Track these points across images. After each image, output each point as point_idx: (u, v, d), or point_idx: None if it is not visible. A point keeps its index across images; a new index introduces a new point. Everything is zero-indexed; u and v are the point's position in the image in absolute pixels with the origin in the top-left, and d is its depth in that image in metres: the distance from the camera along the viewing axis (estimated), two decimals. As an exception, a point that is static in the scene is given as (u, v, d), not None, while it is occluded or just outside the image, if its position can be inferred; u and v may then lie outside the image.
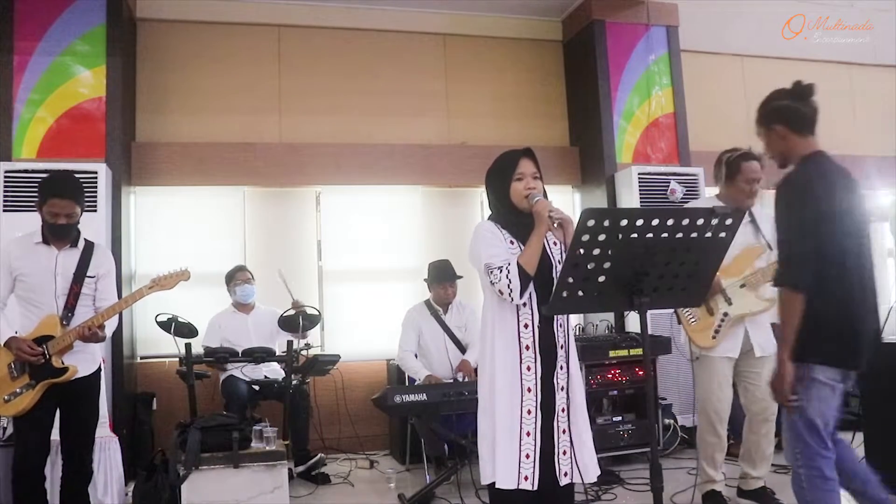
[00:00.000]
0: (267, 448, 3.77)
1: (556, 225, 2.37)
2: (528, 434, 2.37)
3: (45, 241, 3.23)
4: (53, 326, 3.14)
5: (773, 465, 3.81)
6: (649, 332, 2.15)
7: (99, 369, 3.35)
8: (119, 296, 3.47)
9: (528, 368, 2.40)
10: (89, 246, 3.31)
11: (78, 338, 3.09)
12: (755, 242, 3.53)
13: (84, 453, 3.30)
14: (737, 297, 3.46)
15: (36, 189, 4.42)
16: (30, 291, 3.18)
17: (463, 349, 4.77)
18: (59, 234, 3.20)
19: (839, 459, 2.45)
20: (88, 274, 3.24)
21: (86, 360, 3.23)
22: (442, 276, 4.77)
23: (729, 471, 3.86)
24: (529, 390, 2.39)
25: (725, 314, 3.47)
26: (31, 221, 4.34)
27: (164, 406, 5.11)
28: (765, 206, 3.57)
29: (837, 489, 2.39)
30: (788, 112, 2.63)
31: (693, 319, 3.55)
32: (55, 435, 3.27)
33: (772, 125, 2.64)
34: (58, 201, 3.15)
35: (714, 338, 3.49)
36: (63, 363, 3.13)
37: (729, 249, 3.38)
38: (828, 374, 2.42)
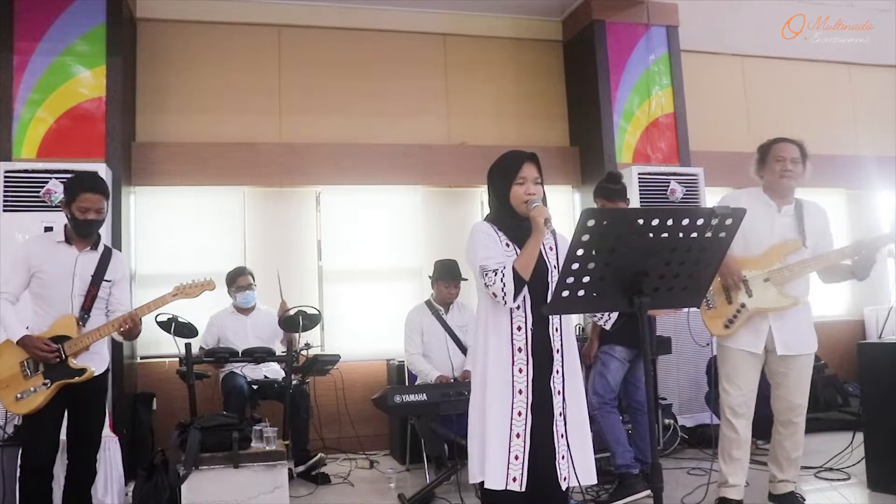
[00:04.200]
0: (267, 448, 3.76)
1: (549, 233, 2.38)
2: (518, 436, 2.38)
3: (67, 240, 3.24)
4: (70, 327, 3.14)
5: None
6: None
7: (107, 370, 3.36)
8: (129, 301, 3.47)
9: (520, 370, 2.41)
10: (108, 250, 3.34)
11: (117, 329, 3.13)
12: (793, 237, 3.34)
13: (91, 453, 3.30)
14: (758, 290, 3.29)
15: (36, 189, 4.50)
16: (45, 289, 3.19)
17: (464, 349, 4.77)
18: (85, 230, 3.21)
19: None
20: (106, 278, 3.25)
21: (97, 360, 3.24)
22: (448, 275, 4.77)
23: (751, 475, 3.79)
24: (521, 392, 2.40)
25: (743, 305, 3.31)
26: (32, 221, 4.39)
27: (164, 406, 5.11)
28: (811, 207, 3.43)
29: None
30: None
31: (711, 305, 3.39)
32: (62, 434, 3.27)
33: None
34: (90, 195, 3.17)
35: (727, 328, 3.34)
36: (80, 364, 3.14)
37: (766, 239, 3.30)
38: None
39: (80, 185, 3.20)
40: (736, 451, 3.37)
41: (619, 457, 3.81)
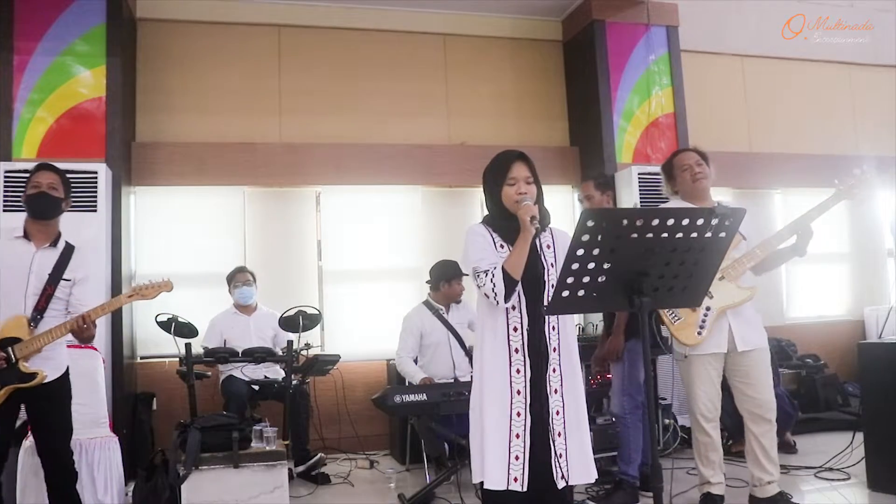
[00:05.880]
0: (267, 448, 3.76)
1: (547, 230, 2.39)
2: (518, 436, 2.38)
3: (26, 236, 3.11)
4: (20, 328, 2.98)
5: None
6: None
7: (65, 375, 3.17)
8: (93, 302, 3.21)
9: (518, 371, 2.41)
10: (69, 248, 3.17)
11: (69, 331, 2.98)
12: None
13: (61, 456, 3.15)
14: (717, 289, 3.32)
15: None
16: (1, 287, 3.01)
17: (465, 347, 4.76)
18: (36, 205, 3.09)
19: None
20: (64, 276, 3.09)
21: (50, 365, 3.07)
22: (455, 272, 4.71)
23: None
24: (519, 392, 2.40)
25: (708, 308, 3.36)
26: (31, 221, 4.35)
27: (164, 406, 5.12)
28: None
29: None
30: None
31: (676, 318, 3.41)
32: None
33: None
34: (43, 173, 3.14)
35: (700, 334, 3.38)
36: (31, 368, 2.98)
37: None
38: None
39: (36, 167, 3.20)
40: (712, 453, 3.50)
41: (631, 466, 3.81)
